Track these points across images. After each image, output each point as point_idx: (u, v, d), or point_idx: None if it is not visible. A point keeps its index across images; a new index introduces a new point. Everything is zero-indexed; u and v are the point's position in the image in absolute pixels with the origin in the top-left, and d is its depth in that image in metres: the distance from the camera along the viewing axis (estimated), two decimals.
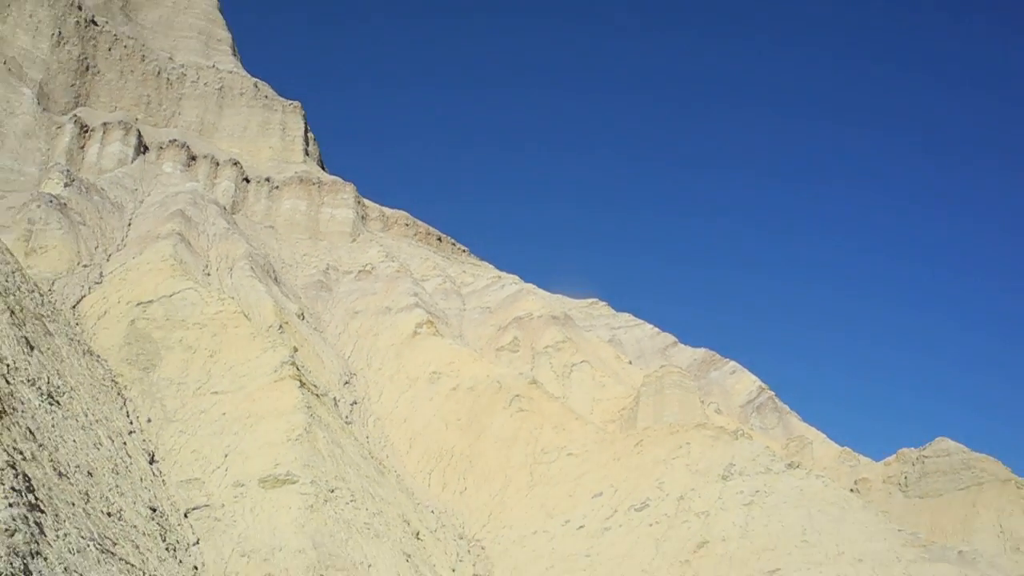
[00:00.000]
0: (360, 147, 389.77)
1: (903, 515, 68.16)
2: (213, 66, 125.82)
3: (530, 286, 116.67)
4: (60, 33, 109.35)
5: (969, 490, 69.04)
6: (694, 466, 62.15)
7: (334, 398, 72.35)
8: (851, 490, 72.67)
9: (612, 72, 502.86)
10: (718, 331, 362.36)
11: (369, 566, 49.68)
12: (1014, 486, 67.84)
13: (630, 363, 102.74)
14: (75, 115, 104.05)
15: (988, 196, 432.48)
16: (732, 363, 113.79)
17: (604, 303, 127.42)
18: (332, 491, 53.70)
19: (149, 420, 57.20)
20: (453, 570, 56.27)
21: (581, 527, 59.71)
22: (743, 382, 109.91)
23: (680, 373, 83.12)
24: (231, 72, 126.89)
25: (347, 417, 71.59)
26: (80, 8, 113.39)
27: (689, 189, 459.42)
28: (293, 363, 65.27)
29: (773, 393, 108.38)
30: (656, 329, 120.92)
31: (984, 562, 50.64)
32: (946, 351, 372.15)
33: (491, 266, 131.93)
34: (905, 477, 75.26)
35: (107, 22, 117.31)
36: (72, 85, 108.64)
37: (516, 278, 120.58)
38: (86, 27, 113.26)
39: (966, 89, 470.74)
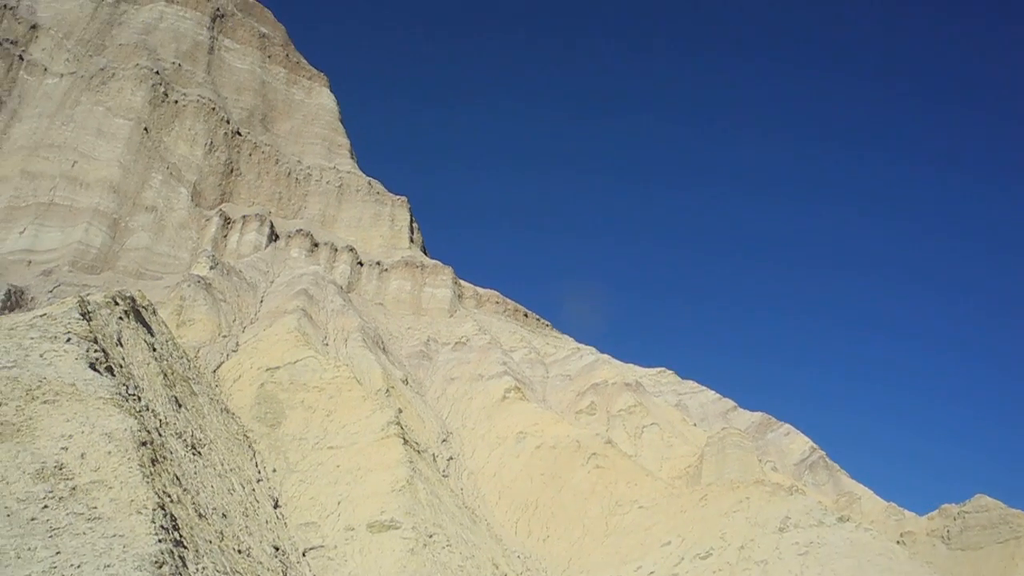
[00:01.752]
0: (458, 233, 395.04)
1: (946, 566, 65.16)
2: (334, 167, 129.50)
3: (605, 356, 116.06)
4: (211, 142, 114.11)
5: (1007, 544, 65.83)
6: (753, 519, 60.54)
7: (433, 454, 72.48)
8: (897, 542, 69.81)
9: (681, 165, 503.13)
10: (773, 396, 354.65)
11: None
12: None
13: (695, 425, 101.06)
14: (220, 209, 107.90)
15: None
16: (786, 426, 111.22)
17: (671, 372, 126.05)
18: (431, 536, 53.53)
19: (274, 470, 57.97)
20: None
21: (652, 573, 58.39)
22: (797, 443, 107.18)
23: (740, 434, 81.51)
24: (349, 172, 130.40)
25: (444, 471, 71.57)
26: (228, 122, 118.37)
27: (746, 276, 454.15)
28: (398, 423, 65.69)
29: (824, 453, 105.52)
30: (717, 395, 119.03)
31: None
32: (986, 411, 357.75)
33: (571, 339, 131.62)
34: (947, 531, 72.10)
35: (249, 132, 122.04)
36: (219, 185, 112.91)
37: (593, 349, 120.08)
38: (232, 137, 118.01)
39: None
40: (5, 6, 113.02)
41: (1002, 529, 67.18)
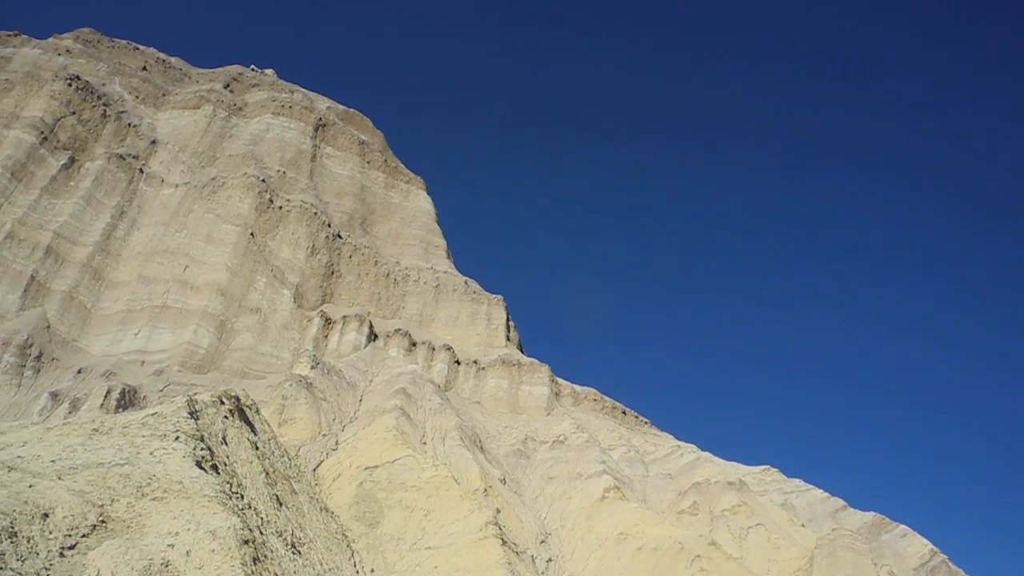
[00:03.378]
0: (554, 331, 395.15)
1: None
2: (431, 268, 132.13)
3: (707, 454, 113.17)
4: (313, 246, 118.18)
5: None
6: None
7: (532, 555, 71.20)
8: None
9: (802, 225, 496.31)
10: (887, 495, 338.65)
11: None
12: None
13: (802, 526, 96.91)
14: (322, 310, 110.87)
15: None
16: (902, 526, 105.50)
17: (776, 469, 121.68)
18: None
19: (372, 571, 57.76)
20: None
21: None
22: (915, 545, 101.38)
23: (852, 536, 77.97)
24: (445, 272, 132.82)
25: (543, 573, 70.14)
26: (329, 225, 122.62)
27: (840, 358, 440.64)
28: (496, 523, 64.98)
29: (946, 556, 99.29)
30: (826, 494, 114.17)
31: None
32: None
33: (671, 436, 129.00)
34: None
35: (349, 235, 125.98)
36: (320, 287, 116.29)
37: (694, 447, 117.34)
38: (333, 240, 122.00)
39: None
40: (130, 124, 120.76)
41: None
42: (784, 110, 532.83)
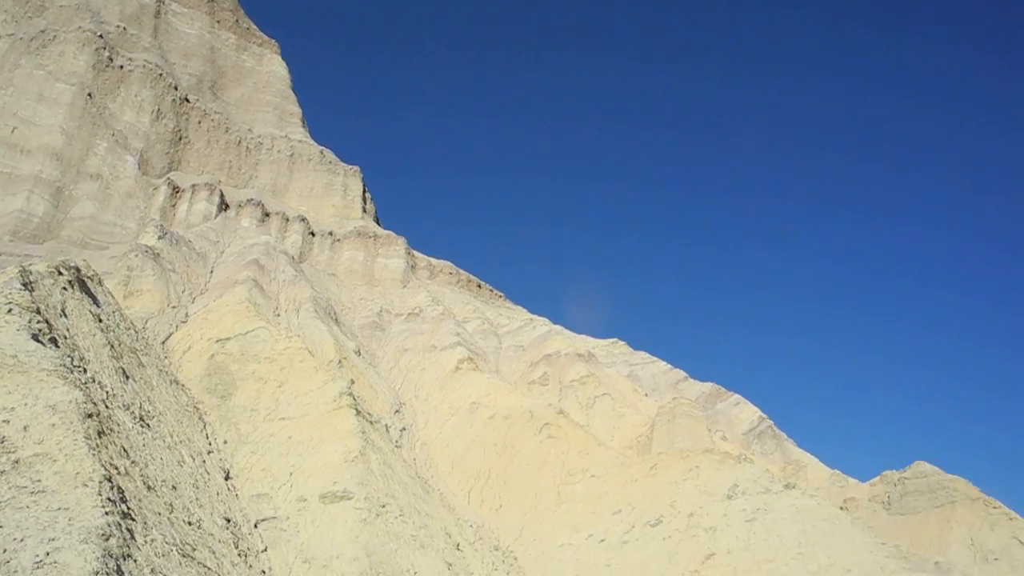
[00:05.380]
0: (411, 203, 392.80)
1: (886, 530, 66.86)
2: (285, 136, 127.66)
3: (558, 327, 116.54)
4: (159, 109, 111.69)
5: (944, 508, 67.74)
6: (702, 487, 61.49)
7: (386, 425, 72.36)
8: (841, 508, 71.55)
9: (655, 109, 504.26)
10: (724, 367, 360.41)
11: (415, 573, 49.36)
12: (983, 504, 66.50)
13: (646, 396, 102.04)
14: (169, 178, 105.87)
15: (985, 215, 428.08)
16: (736, 396, 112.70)
17: (623, 343, 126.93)
18: (383, 507, 53.56)
19: (225, 442, 57.47)
20: None
21: (603, 540, 59.11)
22: (745, 412, 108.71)
23: (690, 404, 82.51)
24: (300, 141, 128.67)
25: (397, 442, 71.54)
26: (176, 88, 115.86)
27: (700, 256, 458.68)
28: (350, 394, 65.45)
29: (772, 422, 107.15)
30: (669, 366, 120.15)
31: (958, 572, 49.69)
32: (929, 381, 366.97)
33: (524, 310, 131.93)
34: (888, 496, 73.92)
35: (198, 99, 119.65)
36: (167, 153, 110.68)
37: (546, 320, 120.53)
38: (180, 104, 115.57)
39: None
40: None
41: (939, 494, 69.08)
42: None
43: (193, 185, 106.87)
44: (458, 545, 57.07)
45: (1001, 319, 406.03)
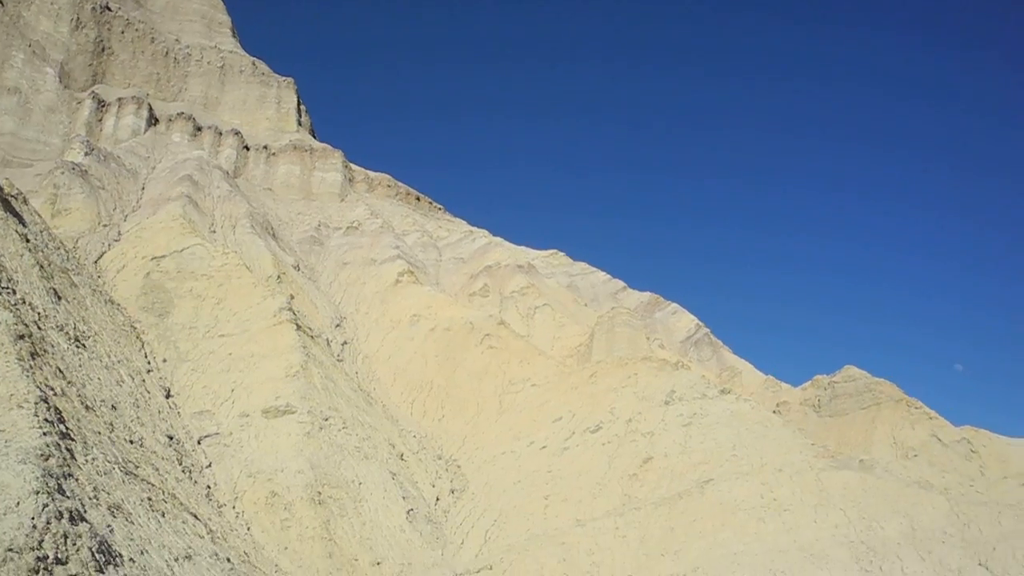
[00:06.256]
0: (347, 116, 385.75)
1: (816, 432, 69.49)
2: (215, 46, 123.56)
3: (498, 239, 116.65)
4: (78, 18, 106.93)
5: (870, 409, 70.37)
6: (640, 393, 62.97)
7: (327, 339, 72.46)
8: (773, 412, 73.86)
9: (580, 42, 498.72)
10: (662, 277, 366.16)
11: (360, 483, 50.27)
12: (906, 405, 69.19)
13: (585, 306, 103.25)
14: (93, 91, 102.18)
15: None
16: (674, 305, 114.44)
17: (563, 253, 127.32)
18: (326, 420, 54.11)
19: (165, 360, 57.18)
20: (433, 486, 57.01)
21: (544, 447, 60.52)
22: (683, 321, 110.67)
23: (629, 313, 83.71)
24: (231, 52, 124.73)
25: (338, 356, 71.79)
26: None
27: (636, 150, 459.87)
28: (290, 309, 65.31)
29: (709, 330, 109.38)
30: (608, 276, 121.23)
31: (880, 468, 51.93)
32: (859, 287, 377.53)
33: (464, 222, 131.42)
34: (818, 400, 76.53)
35: (119, 8, 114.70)
36: (90, 65, 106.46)
37: (486, 232, 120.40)
38: (101, 12, 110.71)
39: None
40: None
41: (866, 396, 71.68)
42: None
43: (119, 99, 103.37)
44: (402, 455, 58.09)
45: (920, 222, 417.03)
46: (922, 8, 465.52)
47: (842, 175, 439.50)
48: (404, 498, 51.38)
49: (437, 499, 55.55)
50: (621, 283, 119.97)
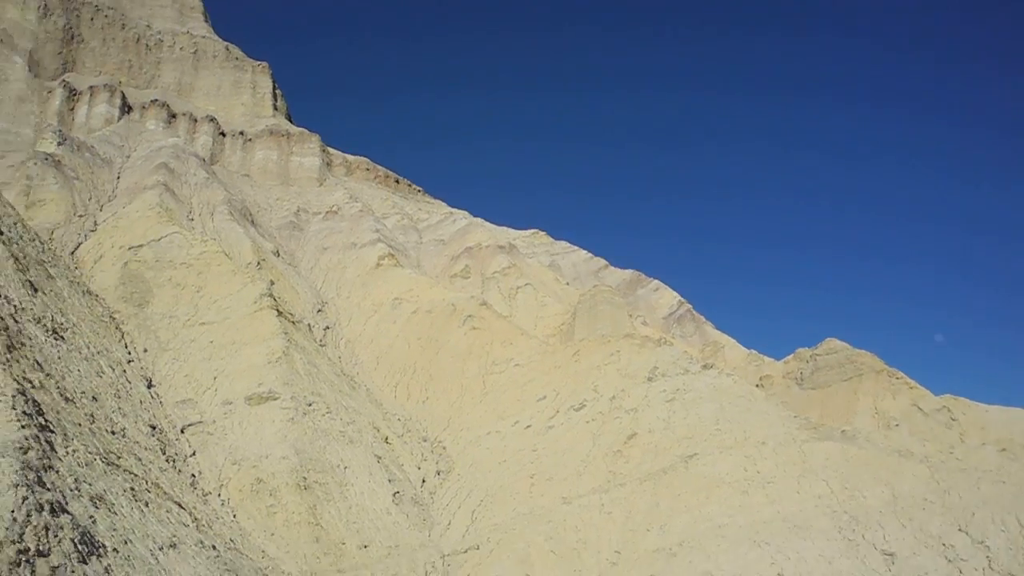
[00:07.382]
0: (324, 100, 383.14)
1: (798, 404, 69.84)
2: (187, 32, 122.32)
3: (479, 220, 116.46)
4: (46, 5, 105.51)
5: (851, 381, 70.74)
6: (624, 370, 63.19)
7: (308, 324, 72.32)
8: (756, 386, 74.45)
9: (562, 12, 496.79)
10: (644, 254, 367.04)
11: (345, 468, 50.33)
12: (887, 375, 69.57)
13: (567, 284, 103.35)
14: (64, 80, 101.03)
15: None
16: (655, 282, 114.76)
17: (544, 233, 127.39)
18: (310, 405, 54.09)
19: (145, 350, 56.91)
20: (418, 468, 57.14)
21: (528, 427, 60.71)
22: (665, 297, 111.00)
23: (611, 291, 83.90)
24: (204, 37, 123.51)
25: (320, 341, 71.69)
26: None
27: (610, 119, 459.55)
28: (271, 295, 65.09)
29: (691, 306, 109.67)
30: (589, 254, 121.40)
31: (862, 438, 52.35)
32: (840, 259, 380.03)
33: (444, 204, 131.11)
34: (800, 373, 76.90)
35: None
36: (59, 53, 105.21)
37: (466, 213, 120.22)
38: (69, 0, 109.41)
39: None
40: None
41: (847, 368, 72.07)
42: None
43: (91, 87, 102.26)
44: (387, 438, 58.17)
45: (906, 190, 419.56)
46: (911, 18, 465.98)
47: (820, 142, 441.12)
48: (390, 481, 51.49)
49: (423, 481, 55.68)
50: (603, 261, 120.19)
